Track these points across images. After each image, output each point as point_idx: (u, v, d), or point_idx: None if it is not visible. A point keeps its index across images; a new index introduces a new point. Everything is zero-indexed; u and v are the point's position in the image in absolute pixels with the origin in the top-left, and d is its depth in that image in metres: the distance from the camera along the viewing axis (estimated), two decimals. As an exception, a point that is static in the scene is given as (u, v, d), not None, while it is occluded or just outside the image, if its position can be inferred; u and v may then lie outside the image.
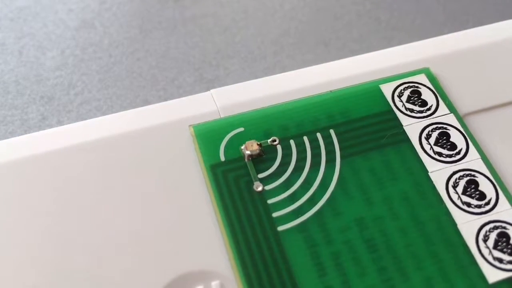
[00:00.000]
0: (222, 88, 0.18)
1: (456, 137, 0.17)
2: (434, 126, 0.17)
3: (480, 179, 0.16)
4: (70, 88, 0.29)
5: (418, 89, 0.18)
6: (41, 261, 0.15)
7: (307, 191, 0.16)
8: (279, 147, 0.17)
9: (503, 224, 0.16)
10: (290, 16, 0.32)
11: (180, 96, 0.27)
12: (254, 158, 0.16)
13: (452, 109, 0.18)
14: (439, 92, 0.18)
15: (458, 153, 0.17)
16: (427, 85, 0.18)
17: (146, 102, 0.28)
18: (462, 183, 0.16)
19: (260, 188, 0.16)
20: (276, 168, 0.16)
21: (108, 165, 0.16)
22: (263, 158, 0.17)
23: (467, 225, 0.16)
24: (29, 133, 0.19)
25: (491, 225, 0.16)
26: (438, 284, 0.15)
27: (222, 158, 0.16)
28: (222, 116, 0.17)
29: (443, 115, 0.18)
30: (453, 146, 0.17)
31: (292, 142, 0.17)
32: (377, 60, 0.19)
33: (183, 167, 0.16)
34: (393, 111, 0.18)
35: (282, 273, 0.15)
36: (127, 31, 0.31)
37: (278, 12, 0.32)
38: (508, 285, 0.15)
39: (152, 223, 0.16)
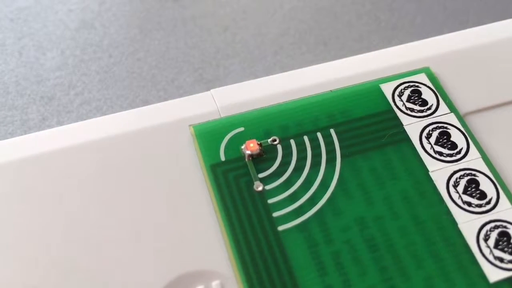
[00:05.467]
0: (222, 88, 0.18)
1: (456, 137, 0.17)
2: (435, 125, 0.17)
3: (480, 178, 0.16)
4: (70, 88, 0.29)
5: (419, 88, 0.18)
6: (41, 261, 0.15)
7: (308, 191, 0.16)
8: (279, 147, 0.17)
9: (504, 224, 0.16)
10: (290, 16, 0.32)
11: (180, 96, 0.27)
12: (254, 157, 0.16)
13: (452, 108, 0.18)
14: (440, 91, 0.18)
15: (459, 152, 0.17)
16: (428, 85, 0.18)
17: (146, 102, 0.28)
18: (463, 182, 0.16)
19: (260, 188, 0.16)
20: (277, 168, 0.16)
21: (108, 165, 0.16)
22: (263, 157, 0.17)
23: (468, 224, 0.16)
24: (29, 133, 0.19)
25: (492, 224, 0.16)
26: (439, 283, 0.15)
27: (222, 158, 0.16)
28: (222, 116, 0.17)
29: (444, 114, 0.18)
30: (453, 146, 0.17)
31: (292, 141, 0.17)
32: (377, 59, 0.19)
33: (183, 167, 0.16)
34: (393, 110, 0.18)
35: (283, 273, 0.15)
36: (127, 31, 0.31)
37: (278, 12, 0.32)
38: (509, 285, 0.15)
39: (152, 223, 0.16)
